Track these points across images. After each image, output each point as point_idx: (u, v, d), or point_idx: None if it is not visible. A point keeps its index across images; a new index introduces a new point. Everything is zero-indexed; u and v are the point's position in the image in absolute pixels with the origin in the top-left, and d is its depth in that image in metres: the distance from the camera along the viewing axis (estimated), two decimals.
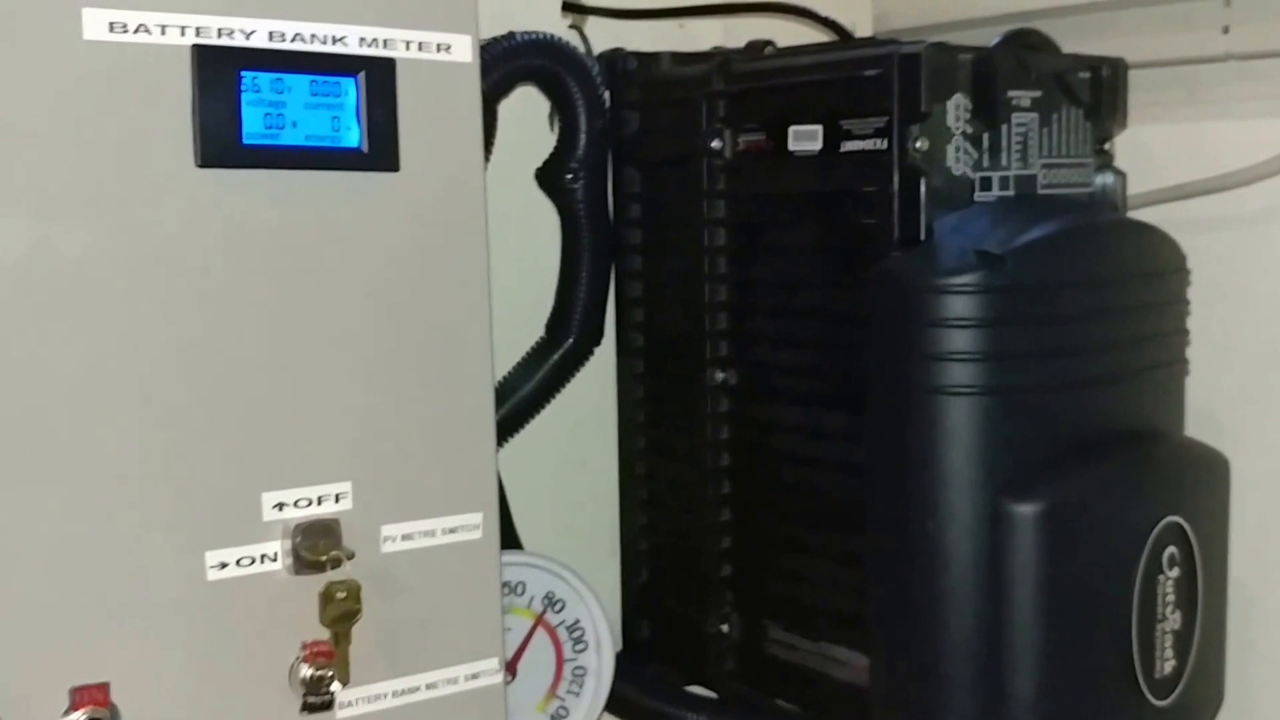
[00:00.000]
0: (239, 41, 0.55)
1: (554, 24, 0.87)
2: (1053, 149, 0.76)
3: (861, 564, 0.72)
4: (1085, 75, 0.78)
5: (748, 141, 0.80)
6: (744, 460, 0.82)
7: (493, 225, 0.62)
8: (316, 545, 0.57)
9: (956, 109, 0.71)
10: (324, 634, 0.57)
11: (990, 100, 0.72)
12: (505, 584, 0.80)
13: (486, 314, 0.62)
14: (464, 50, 0.61)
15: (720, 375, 0.83)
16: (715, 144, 0.81)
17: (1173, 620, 0.73)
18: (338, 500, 0.58)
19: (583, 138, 0.84)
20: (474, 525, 0.62)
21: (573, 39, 0.86)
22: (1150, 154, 0.84)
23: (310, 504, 0.57)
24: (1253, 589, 0.83)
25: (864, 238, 0.72)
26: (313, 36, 0.57)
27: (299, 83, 0.56)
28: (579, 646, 0.86)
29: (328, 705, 0.58)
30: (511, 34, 0.80)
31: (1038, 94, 0.75)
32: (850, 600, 0.74)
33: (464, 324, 0.61)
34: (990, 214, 0.71)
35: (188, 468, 0.54)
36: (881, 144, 0.71)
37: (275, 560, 0.57)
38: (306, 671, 0.57)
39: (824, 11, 0.93)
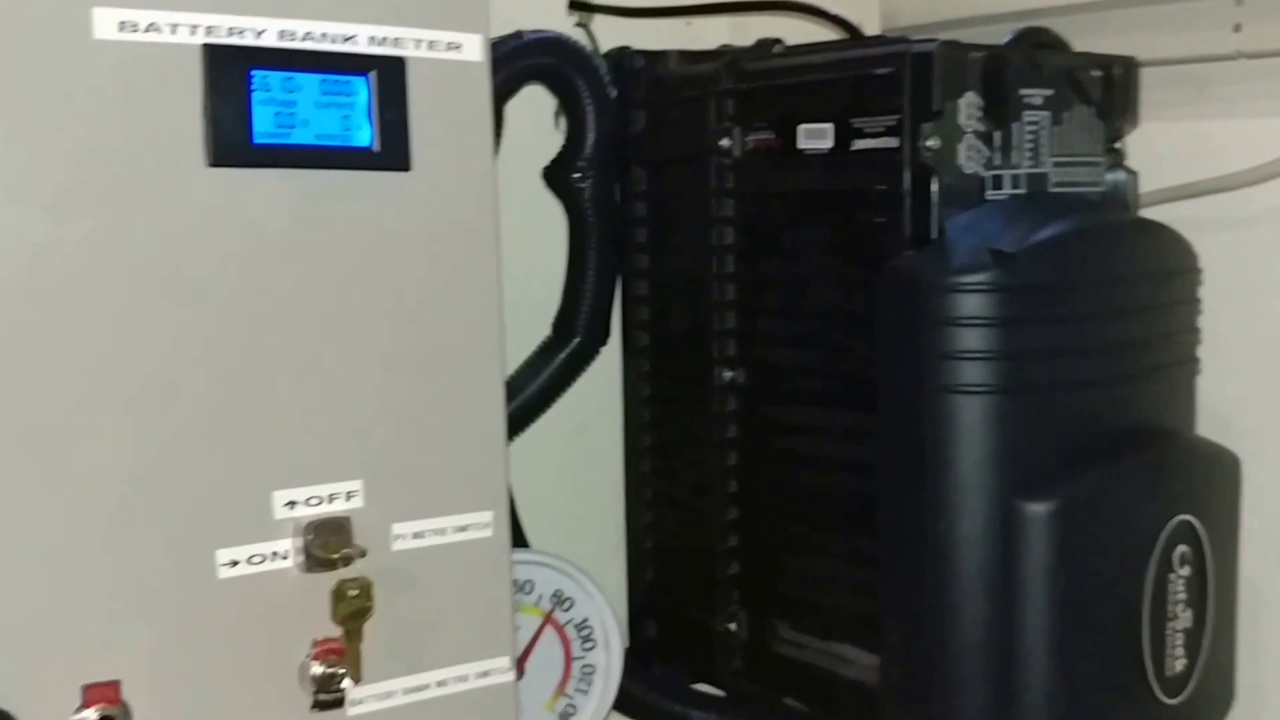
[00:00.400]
0: (249, 41, 0.55)
1: (561, 23, 0.87)
2: (1064, 147, 0.76)
3: (870, 563, 0.72)
4: (1097, 74, 0.78)
5: (757, 140, 0.79)
6: (751, 459, 0.82)
7: (500, 224, 0.62)
8: (328, 543, 0.57)
9: (968, 107, 0.71)
10: (335, 631, 0.57)
11: (1002, 98, 0.72)
12: (513, 582, 0.80)
13: (497, 312, 0.62)
14: (474, 49, 0.61)
15: (728, 374, 0.83)
16: (724, 142, 0.81)
17: (1183, 618, 0.73)
18: (349, 498, 0.58)
19: (590, 137, 0.84)
20: (485, 523, 0.62)
21: (580, 38, 0.86)
22: (1160, 153, 0.84)
23: (321, 502, 0.57)
24: (1264, 588, 0.83)
25: (875, 236, 0.72)
26: (323, 35, 0.57)
27: (309, 82, 0.56)
28: (587, 645, 0.86)
29: (338, 703, 0.58)
30: (519, 33, 0.80)
31: (1049, 92, 0.75)
32: (859, 599, 0.74)
33: (475, 322, 0.61)
34: (1002, 212, 0.71)
35: (199, 466, 0.54)
36: (893, 142, 0.70)
37: (286, 558, 0.57)
38: (317, 669, 0.57)
39: (832, 9, 0.93)
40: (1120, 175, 0.80)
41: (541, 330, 0.87)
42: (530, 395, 0.85)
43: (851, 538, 0.75)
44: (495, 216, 0.62)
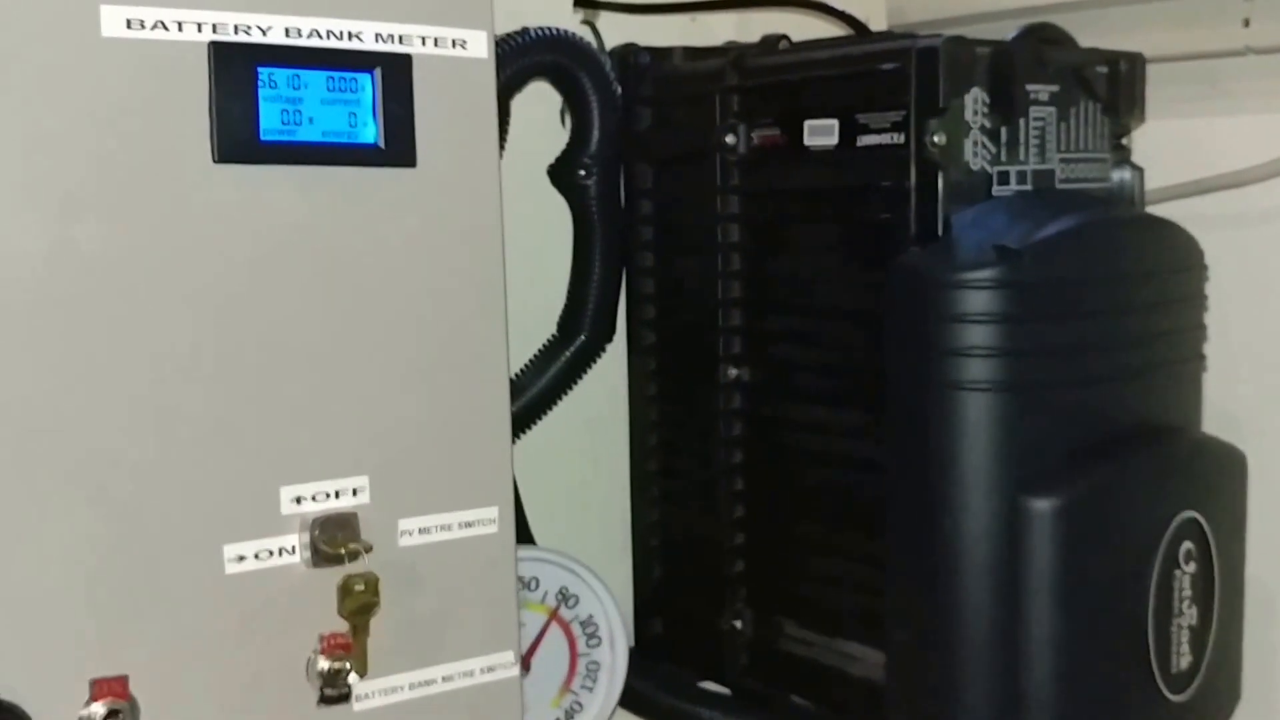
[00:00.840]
0: (255, 38, 0.55)
1: (567, 19, 0.87)
2: (1070, 144, 0.76)
3: (876, 560, 0.72)
4: (1103, 70, 0.78)
5: (762, 136, 0.79)
6: (757, 457, 0.82)
7: (505, 222, 0.62)
8: (334, 538, 0.57)
9: (974, 103, 0.71)
10: (342, 626, 0.57)
11: (1008, 94, 0.72)
12: (519, 579, 0.80)
13: (502, 308, 0.62)
14: (480, 46, 0.61)
15: (733, 372, 0.83)
16: (729, 139, 0.81)
17: (1189, 616, 0.73)
18: (355, 494, 0.58)
19: (595, 134, 0.84)
20: (490, 519, 0.62)
21: (585, 34, 0.86)
22: (1169, 149, 0.84)
23: (328, 498, 0.58)
24: (1271, 586, 0.83)
25: (880, 233, 0.72)
26: (329, 33, 0.57)
27: (315, 79, 0.56)
28: (592, 642, 0.86)
29: (345, 697, 0.58)
30: (524, 30, 0.80)
31: (1055, 88, 0.74)
32: (865, 596, 0.74)
33: (479, 318, 0.61)
34: (1008, 209, 0.71)
35: (206, 462, 0.55)
36: (898, 138, 0.70)
37: (294, 553, 0.57)
38: (324, 664, 0.57)
39: (838, 5, 0.93)
40: (1126, 171, 0.79)
41: (547, 328, 0.87)
42: (536, 393, 0.85)
43: (858, 535, 0.75)
44: (500, 213, 0.62)
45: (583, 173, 0.85)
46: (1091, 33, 0.81)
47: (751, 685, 0.84)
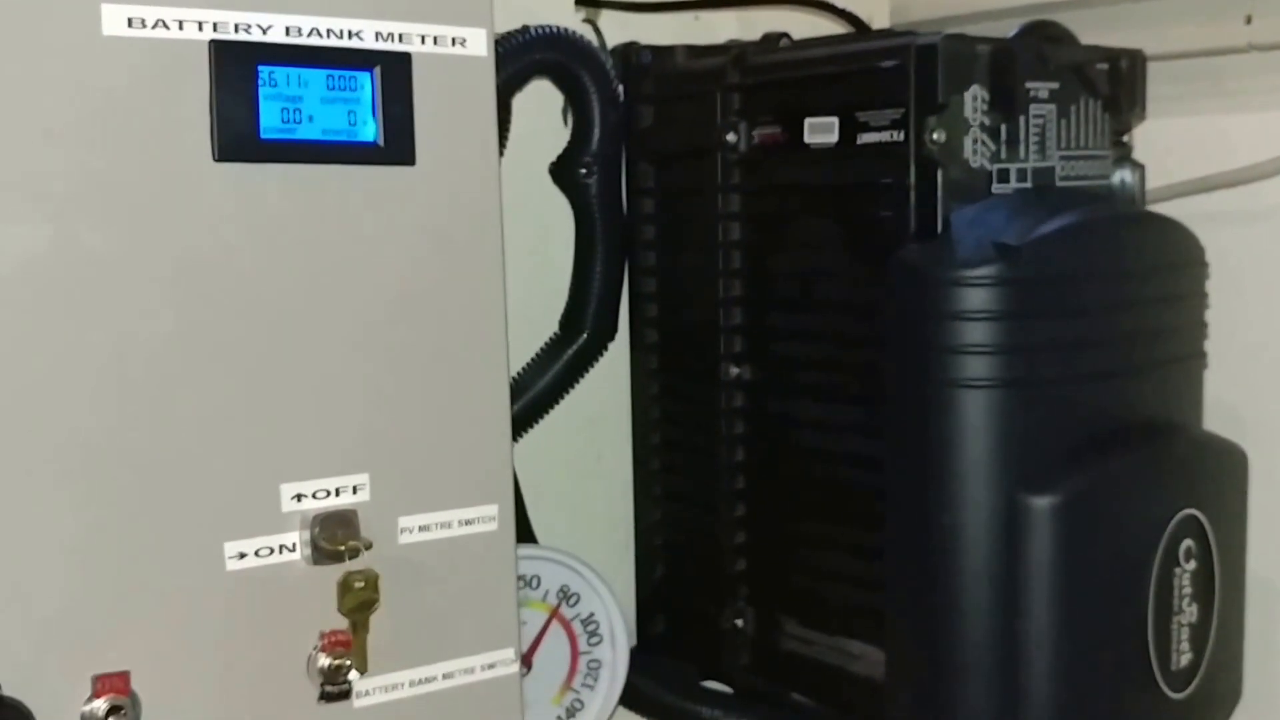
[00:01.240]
0: (256, 36, 0.55)
1: (568, 18, 0.87)
2: (1071, 141, 0.76)
3: (877, 558, 0.72)
4: (1104, 67, 0.77)
5: (763, 134, 0.79)
6: (759, 455, 0.82)
7: (507, 220, 0.62)
8: (334, 535, 0.57)
9: (974, 100, 0.71)
10: (342, 623, 0.57)
11: (1008, 92, 0.72)
12: (520, 577, 0.80)
13: (501, 306, 0.62)
14: (479, 44, 0.61)
15: (735, 370, 0.83)
16: (730, 137, 0.81)
17: (1189, 613, 0.73)
18: (355, 492, 0.59)
19: (596, 132, 0.84)
20: (490, 517, 0.62)
21: (587, 33, 0.86)
22: (1172, 147, 0.84)
23: (328, 495, 0.58)
24: (1274, 583, 0.83)
25: (880, 230, 0.72)
26: (329, 31, 0.57)
27: (315, 77, 0.57)
28: (593, 640, 0.86)
29: (345, 694, 0.58)
30: (525, 28, 0.80)
31: (1056, 86, 0.74)
32: (866, 594, 0.74)
33: (479, 316, 0.62)
34: (1007, 206, 0.71)
35: (207, 459, 0.55)
36: (898, 136, 0.70)
37: (294, 550, 0.57)
38: (324, 660, 0.57)
39: (840, 3, 0.93)
40: (1127, 169, 0.79)
41: (549, 326, 0.88)
42: (538, 392, 0.85)
43: (859, 533, 0.75)
44: (499, 210, 0.62)
45: (584, 171, 0.85)
46: (1094, 30, 0.80)
47: (753, 683, 0.84)
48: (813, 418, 0.78)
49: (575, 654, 0.85)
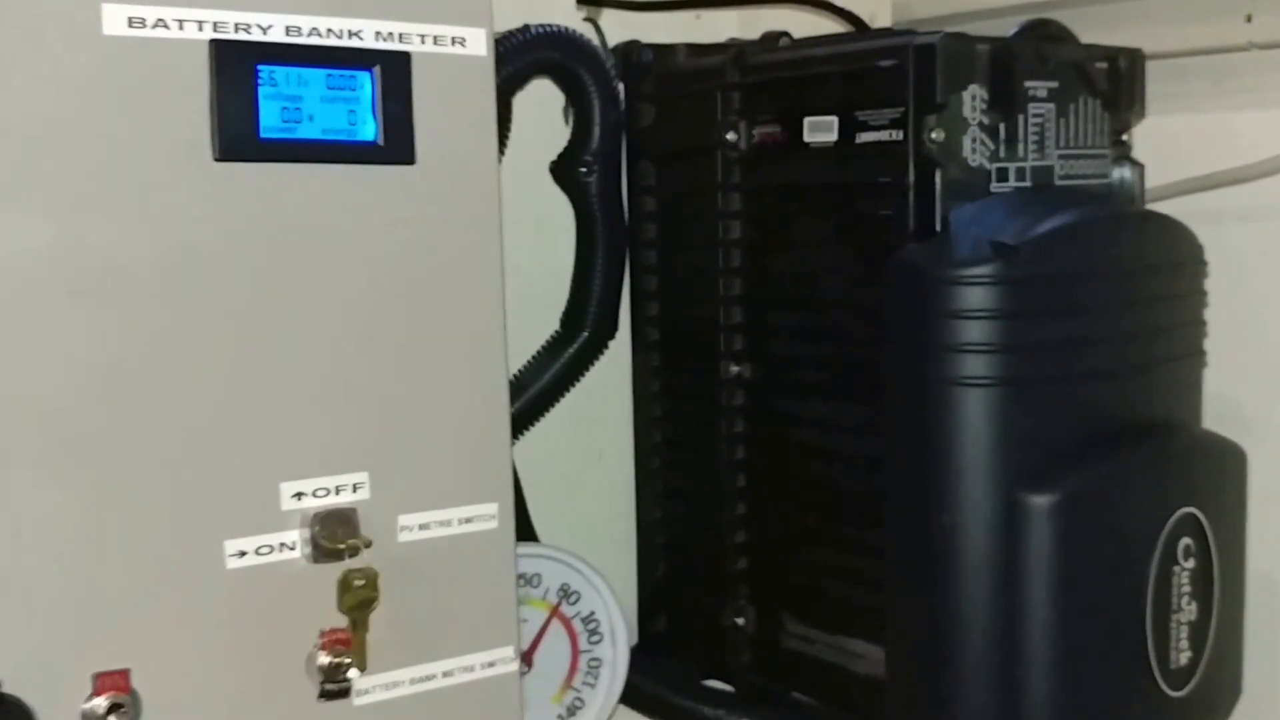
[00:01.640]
0: (256, 36, 0.55)
1: (569, 17, 0.87)
2: (1070, 140, 0.76)
3: (878, 556, 0.72)
4: (1103, 66, 0.77)
5: (763, 133, 0.80)
6: (760, 453, 0.82)
7: (508, 219, 0.63)
8: (334, 534, 0.57)
9: (973, 100, 0.71)
10: (342, 622, 0.58)
11: (1007, 91, 0.72)
12: (521, 575, 0.80)
13: (500, 305, 0.62)
14: (479, 44, 0.61)
15: (735, 369, 0.83)
16: (730, 136, 0.81)
17: (1188, 611, 0.73)
18: (355, 490, 0.59)
19: (597, 131, 0.84)
20: (489, 515, 0.63)
21: (588, 31, 0.87)
22: (1173, 145, 0.84)
23: (328, 494, 0.58)
24: (1273, 582, 0.83)
25: (880, 229, 0.72)
26: (329, 31, 0.57)
27: (315, 77, 0.57)
28: (594, 638, 0.86)
29: (345, 692, 0.58)
30: (526, 27, 0.80)
31: (1055, 84, 0.74)
32: (867, 593, 0.74)
33: (478, 315, 0.62)
34: (1006, 205, 0.71)
35: (207, 458, 0.55)
36: (897, 135, 0.70)
37: (294, 549, 0.57)
38: (324, 659, 0.57)
39: (840, 2, 0.93)
40: (1126, 168, 0.79)
41: (550, 324, 0.88)
42: (539, 390, 0.86)
43: (860, 531, 0.75)
44: (498, 209, 0.62)
45: (584, 170, 0.85)
46: (1095, 29, 0.80)
47: (754, 682, 0.85)
48: (812, 416, 0.78)
49: (576, 652, 0.86)
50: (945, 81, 0.69)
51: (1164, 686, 0.72)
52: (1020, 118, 0.73)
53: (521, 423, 0.84)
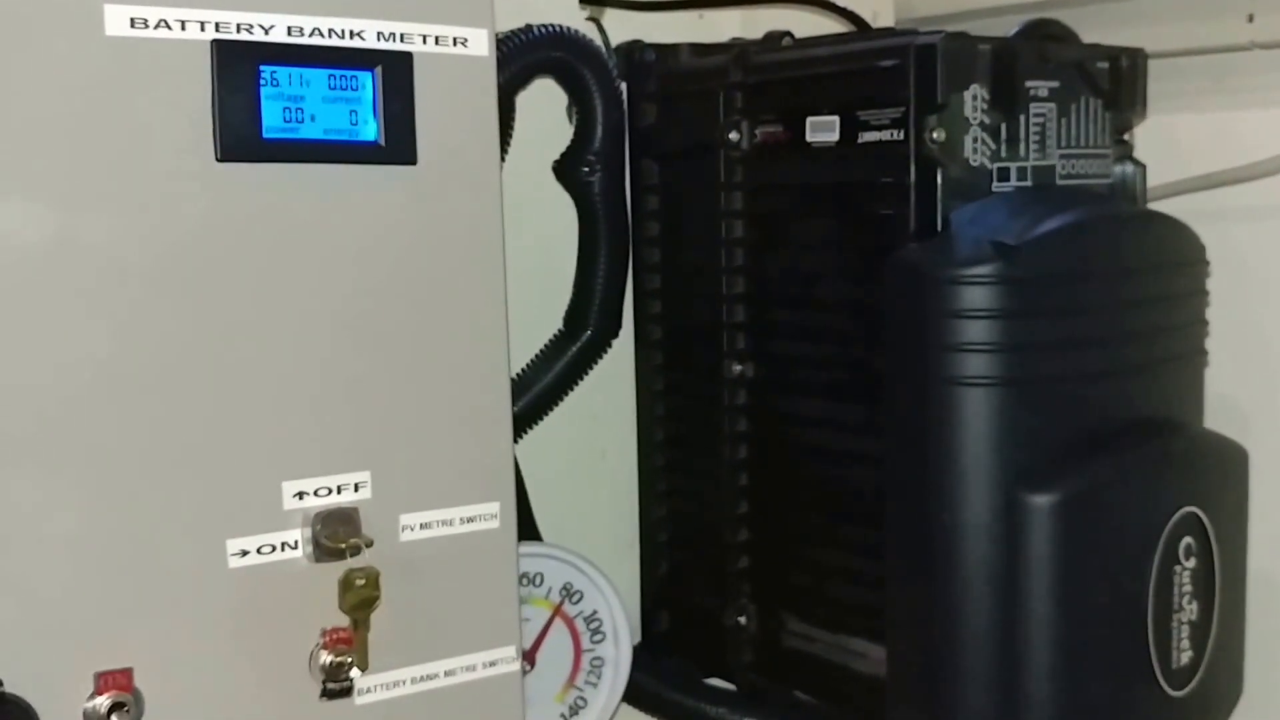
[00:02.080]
0: (258, 36, 0.55)
1: (572, 16, 0.87)
2: (1071, 139, 0.76)
3: (879, 556, 0.72)
4: (1104, 65, 0.77)
5: (765, 133, 0.80)
6: (762, 453, 0.82)
7: (510, 218, 0.63)
8: (336, 533, 0.57)
9: (974, 99, 0.71)
10: (343, 621, 0.58)
11: (1008, 90, 0.72)
12: (524, 575, 0.80)
13: (502, 304, 0.62)
14: (480, 44, 0.61)
15: (737, 368, 0.83)
16: (733, 135, 0.81)
17: (1189, 611, 0.73)
18: (357, 489, 0.59)
19: (599, 130, 0.84)
20: (491, 514, 0.63)
21: (591, 31, 0.87)
22: (1175, 144, 0.84)
23: (330, 493, 0.58)
24: (1275, 581, 0.83)
25: (881, 229, 0.72)
26: (330, 31, 0.57)
27: (317, 77, 0.57)
28: (597, 637, 0.86)
29: (347, 691, 0.58)
30: (528, 27, 0.80)
31: (1056, 84, 0.74)
32: (868, 592, 0.74)
33: (480, 315, 0.62)
34: (1007, 205, 0.71)
35: (209, 457, 0.55)
36: (898, 135, 0.70)
37: (295, 548, 0.57)
38: (326, 658, 0.58)
39: (842, 2, 0.93)
40: (1128, 167, 0.79)
41: (553, 324, 0.88)
42: (542, 389, 0.86)
43: (861, 530, 0.75)
44: (500, 209, 0.62)
45: (586, 169, 0.85)
46: (1096, 28, 0.80)
47: (756, 681, 0.85)
48: (814, 415, 0.78)
49: (578, 651, 0.86)
50: (946, 81, 0.69)
51: (1165, 686, 0.72)
52: (1022, 117, 0.73)
53: (524, 422, 0.84)
